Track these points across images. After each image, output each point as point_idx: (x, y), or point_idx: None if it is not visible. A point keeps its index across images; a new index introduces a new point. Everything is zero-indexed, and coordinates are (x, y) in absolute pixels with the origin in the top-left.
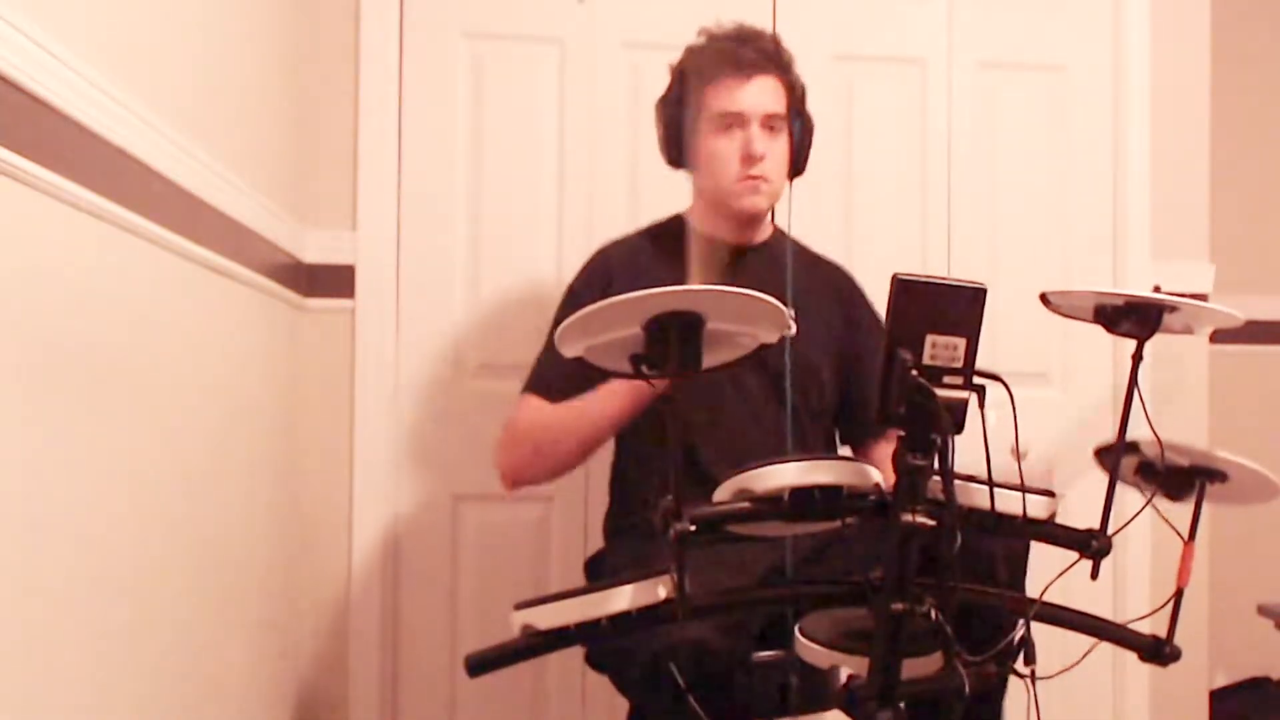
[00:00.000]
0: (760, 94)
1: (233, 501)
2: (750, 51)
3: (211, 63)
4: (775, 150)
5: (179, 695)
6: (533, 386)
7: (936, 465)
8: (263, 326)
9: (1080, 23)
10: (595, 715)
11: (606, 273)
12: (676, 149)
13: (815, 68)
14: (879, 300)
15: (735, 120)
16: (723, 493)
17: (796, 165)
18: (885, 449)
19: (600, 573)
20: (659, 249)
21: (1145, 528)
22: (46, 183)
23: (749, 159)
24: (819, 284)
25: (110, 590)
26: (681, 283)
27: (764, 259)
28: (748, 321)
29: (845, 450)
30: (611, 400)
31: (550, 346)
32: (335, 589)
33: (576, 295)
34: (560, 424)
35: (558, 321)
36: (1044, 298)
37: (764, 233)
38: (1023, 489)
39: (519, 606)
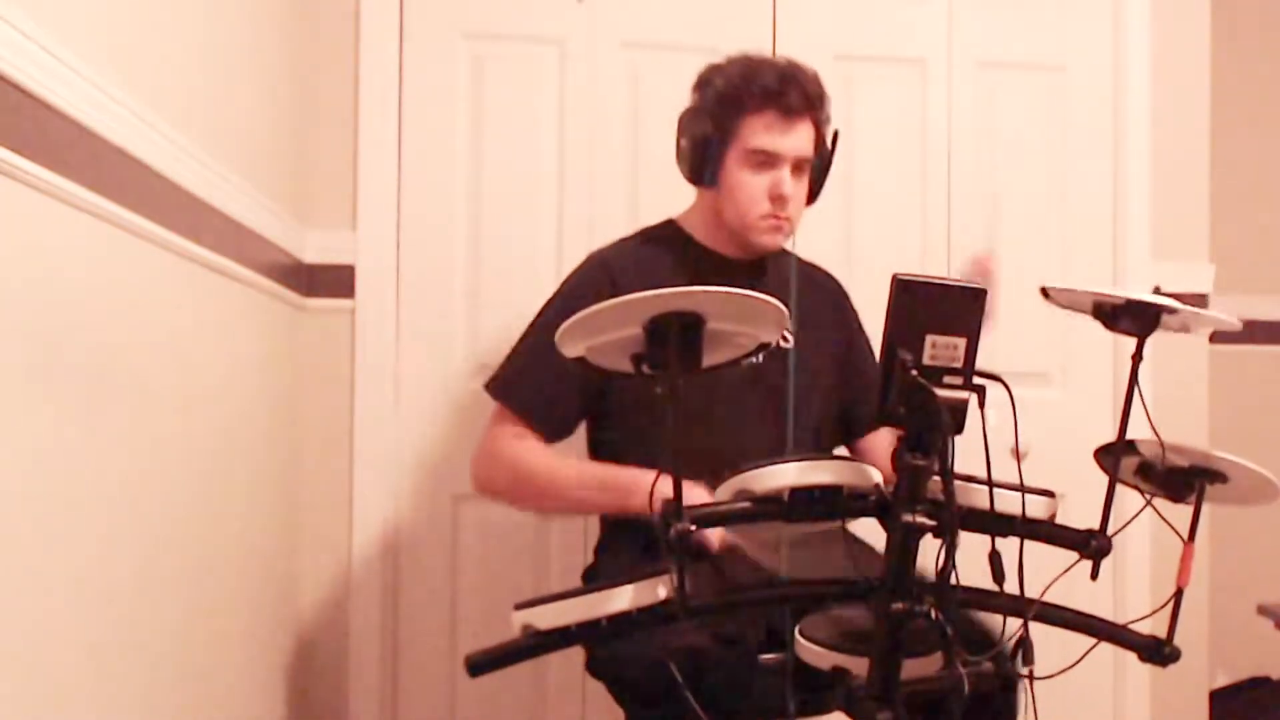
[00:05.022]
0: (799, 140)
1: (233, 501)
2: (796, 96)
3: (211, 63)
4: (799, 192)
5: (178, 695)
6: (516, 402)
7: (937, 465)
8: (263, 326)
9: (1080, 23)
10: (595, 715)
11: (609, 279)
12: (700, 167)
13: (815, 68)
14: (876, 300)
15: (769, 160)
16: (723, 493)
17: (810, 198)
18: (875, 438)
19: (597, 579)
20: (659, 254)
21: (1145, 528)
22: (46, 183)
23: (778, 200)
24: (817, 294)
25: (110, 590)
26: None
27: (764, 271)
28: (747, 322)
29: (842, 452)
30: (600, 493)
31: (532, 349)
32: (335, 589)
33: (570, 301)
34: (547, 481)
35: (541, 319)
36: (1044, 292)
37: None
38: (1022, 489)
39: (519, 606)
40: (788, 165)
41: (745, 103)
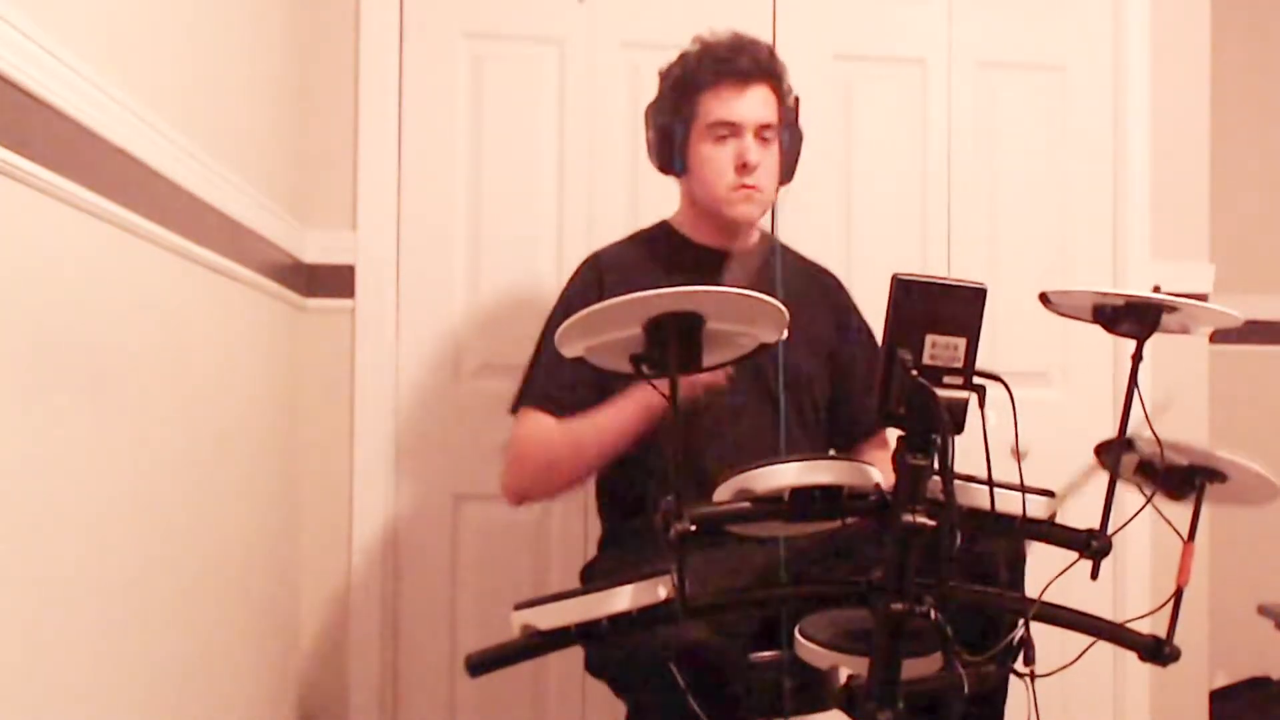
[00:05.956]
0: (755, 104)
1: (233, 501)
2: (746, 61)
3: (212, 62)
4: (767, 160)
5: (179, 695)
6: (531, 401)
7: (936, 465)
8: (263, 326)
9: (1080, 23)
10: (595, 715)
11: (598, 278)
12: (668, 155)
13: (815, 68)
14: (876, 300)
15: (730, 129)
16: (723, 493)
17: (784, 175)
18: (872, 452)
19: (594, 579)
20: (648, 254)
21: (1145, 528)
22: (46, 183)
23: (743, 168)
24: (809, 288)
25: (110, 590)
26: (671, 286)
27: (753, 264)
28: (747, 322)
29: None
30: (620, 416)
31: (543, 355)
32: (335, 589)
33: (570, 303)
34: (569, 442)
35: (548, 330)
36: (1043, 297)
37: (751, 238)
38: (1023, 489)
39: (519, 606)
40: (749, 132)
41: (699, 81)
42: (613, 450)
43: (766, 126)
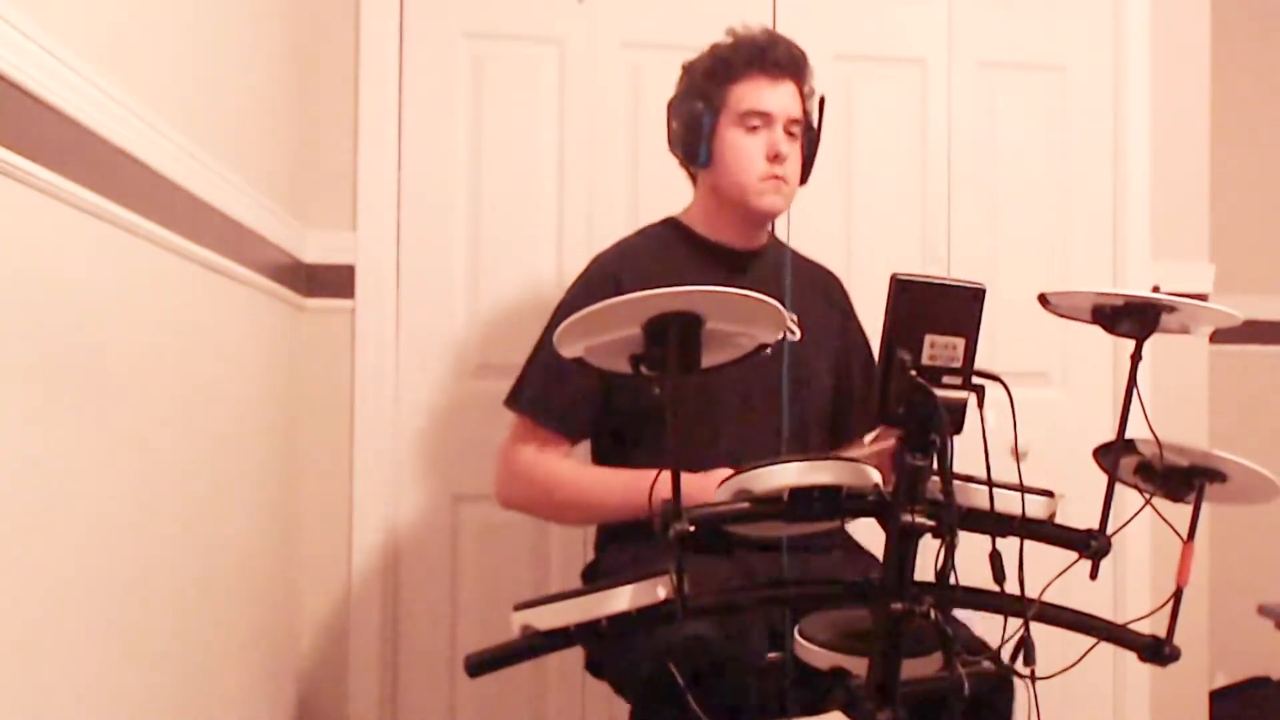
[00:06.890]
0: (787, 97)
1: (232, 502)
2: (781, 54)
3: (212, 63)
4: (794, 155)
5: (178, 695)
6: (528, 408)
7: (936, 465)
8: (263, 326)
9: (1080, 23)
10: (595, 715)
11: (615, 287)
12: (693, 145)
13: (816, 68)
14: (876, 300)
15: (762, 120)
16: (723, 493)
17: (802, 175)
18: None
19: (596, 578)
20: (661, 252)
21: (1145, 528)
22: (46, 183)
23: (775, 158)
24: (816, 290)
25: (110, 590)
26: (691, 285)
27: (765, 264)
28: (747, 322)
29: None
30: (621, 508)
31: (542, 359)
32: (335, 589)
33: (577, 309)
34: (567, 496)
35: (550, 332)
36: (1043, 299)
37: (763, 238)
38: (1022, 489)
39: (519, 607)
40: (780, 124)
41: (731, 70)
42: (605, 519)
43: (795, 121)
